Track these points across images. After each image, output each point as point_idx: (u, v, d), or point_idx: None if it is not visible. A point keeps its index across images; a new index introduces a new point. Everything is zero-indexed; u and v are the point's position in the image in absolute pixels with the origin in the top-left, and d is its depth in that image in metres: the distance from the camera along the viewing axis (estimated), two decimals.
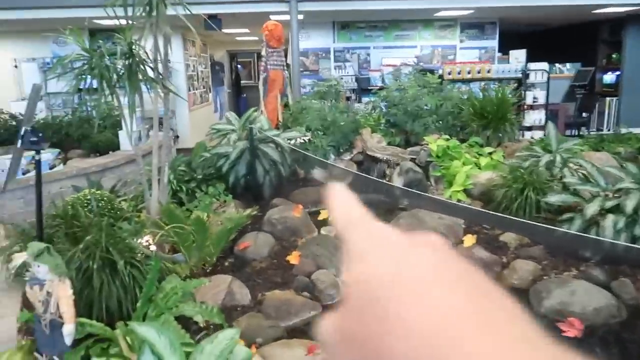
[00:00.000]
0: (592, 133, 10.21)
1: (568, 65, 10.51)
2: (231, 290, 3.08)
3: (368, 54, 11.02)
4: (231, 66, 14.81)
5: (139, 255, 2.75)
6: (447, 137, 4.98)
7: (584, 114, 10.62)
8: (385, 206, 4.61)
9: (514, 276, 3.39)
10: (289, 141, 4.85)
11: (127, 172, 5.80)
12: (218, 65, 13.30)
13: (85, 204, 3.55)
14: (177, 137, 8.32)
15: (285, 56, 6.16)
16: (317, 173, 5.09)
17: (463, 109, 5.42)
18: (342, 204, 0.29)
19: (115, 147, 6.54)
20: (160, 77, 3.38)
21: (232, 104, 13.68)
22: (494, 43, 11.20)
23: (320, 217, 3.80)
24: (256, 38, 13.45)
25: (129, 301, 2.63)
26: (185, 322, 2.56)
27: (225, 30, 10.28)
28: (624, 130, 7.62)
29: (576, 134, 9.92)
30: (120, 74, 3.17)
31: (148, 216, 3.64)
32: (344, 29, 10.98)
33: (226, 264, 3.58)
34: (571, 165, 4.17)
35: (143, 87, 3.44)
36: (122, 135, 6.15)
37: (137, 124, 6.29)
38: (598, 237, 3.17)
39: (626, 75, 11.12)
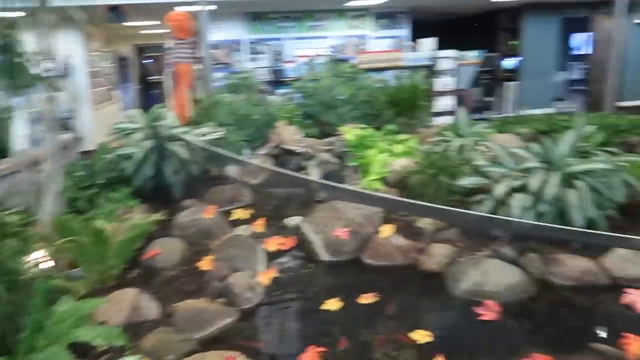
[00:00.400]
0: (496, 116, 10.78)
1: (472, 52, 11.00)
2: (137, 305, 2.82)
3: (282, 46, 10.87)
4: (139, 60, 14.03)
5: (25, 276, 2.42)
6: (363, 126, 4.96)
7: (488, 98, 11.18)
8: (303, 200, 4.51)
9: (432, 261, 3.40)
10: (199, 138, 4.59)
11: (18, 181, 5.24)
12: (124, 61, 12.54)
13: None
14: (79, 139, 7.70)
15: (197, 49, 5.84)
16: (231, 170, 4.87)
17: (377, 98, 5.42)
18: None
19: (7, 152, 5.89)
20: (49, 74, 3.01)
21: (142, 101, 12.97)
22: (405, 32, 11.46)
23: (234, 217, 3.60)
24: (167, 31, 12.82)
25: (14, 332, 2.31)
26: (82, 348, 2.29)
27: (131, 23, 9.66)
28: (524, 112, 8.05)
29: (482, 117, 10.42)
30: None
31: (38, 231, 3.27)
32: (257, 20, 10.74)
33: (132, 275, 3.29)
34: (480, 148, 4.28)
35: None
36: (16, 139, 5.56)
37: (29, 126, 5.71)
38: (504, 217, 3.25)
39: (524, 60, 11.83)
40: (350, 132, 4.80)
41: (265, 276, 2.90)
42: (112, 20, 8.76)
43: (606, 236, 2.78)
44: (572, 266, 3.06)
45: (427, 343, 2.35)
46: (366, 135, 4.71)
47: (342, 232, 3.38)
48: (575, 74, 14.99)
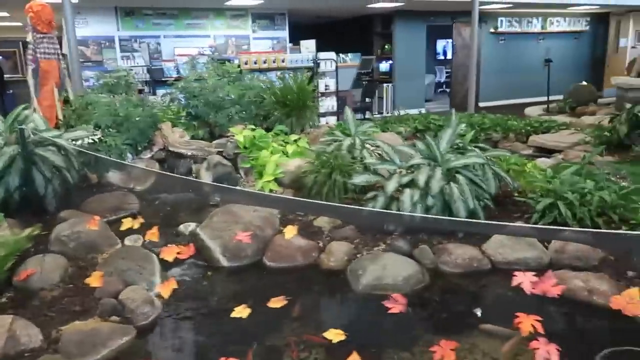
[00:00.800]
0: (375, 116, 11.38)
1: (350, 55, 11.48)
2: (13, 334, 2.47)
3: (159, 44, 10.34)
4: None
5: None
6: (253, 127, 4.89)
7: (367, 99, 11.73)
8: (195, 204, 4.33)
9: (331, 259, 3.46)
10: (74, 142, 4.17)
11: None
12: None
13: None
14: None
15: (60, 45, 5.29)
16: (113, 176, 4.51)
17: (265, 98, 5.39)
18: None
19: None
20: None
21: None
22: (284, 33, 11.57)
23: (124, 226, 3.32)
24: (20, 23, 11.47)
25: None
26: None
27: None
28: (402, 112, 8.60)
29: (362, 117, 10.93)
30: None
31: None
32: (129, 16, 10.08)
33: (3, 300, 2.88)
34: (368, 146, 4.47)
35: None
36: None
37: None
38: (397, 212, 3.43)
39: (397, 63, 12.63)
40: (240, 134, 4.71)
41: (165, 288, 2.72)
42: None
43: (487, 225, 3.05)
44: (459, 254, 3.32)
45: (340, 341, 2.38)
46: (257, 136, 4.66)
47: (243, 236, 3.30)
48: (442, 76, 16.42)
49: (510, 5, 11.73)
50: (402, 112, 8.44)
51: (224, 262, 3.47)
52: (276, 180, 4.31)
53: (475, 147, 4.13)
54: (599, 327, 2.68)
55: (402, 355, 2.36)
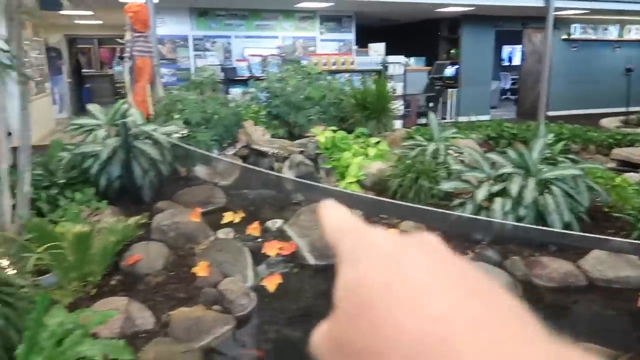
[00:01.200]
0: (442, 122, 11.22)
1: (413, 59, 11.38)
2: (130, 315, 2.63)
3: (229, 43, 10.62)
4: (70, 52, 13.10)
5: (14, 287, 2.17)
6: (334, 128, 4.95)
7: (430, 104, 11.60)
8: (278, 202, 4.43)
9: None
10: (167, 136, 4.37)
11: None
12: (54, 51, 11.67)
13: None
14: (10, 134, 7.04)
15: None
16: (200, 170, 4.68)
17: (343, 100, 5.44)
18: (333, 213, 0.29)
19: None
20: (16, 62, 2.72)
21: (74, 96, 12.15)
22: (351, 36, 11.61)
23: (225, 220, 3.44)
24: (100, 22, 12.09)
25: (1, 348, 2.06)
26: None
27: (64, 12, 9.02)
28: (473, 118, 8.45)
29: (424, 123, 10.82)
30: None
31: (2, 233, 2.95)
32: (203, 16, 10.42)
33: (113, 282, 3.06)
34: (451, 152, 4.43)
35: None
36: None
37: None
38: (492, 219, 3.39)
39: (463, 68, 12.41)
40: (322, 134, 4.78)
41: (270, 282, 2.81)
42: (46, 7, 8.12)
43: (589, 238, 2.97)
44: (554, 268, 3.23)
45: None
46: (339, 138, 4.71)
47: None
48: (506, 83, 15.99)
49: (586, 11, 11.28)
50: (468, 119, 8.28)
51: (311, 260, 3.54)
52: (358, 182, 4.35)
53: (567, 158, 4.02)
54: None
55: None
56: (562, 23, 12.58)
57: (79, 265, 2.84)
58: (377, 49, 9.83)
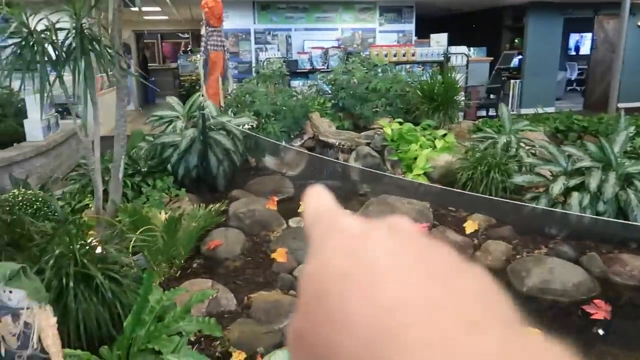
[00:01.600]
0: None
1: (473, 49, 11.09)
2: (215, 296, 2.79)
3: (289, 36, 10.76)
4: (138, 47, 13.73)
5: (118, 265, 2.37)
6: (400, 120, 4.97)
7: (491, 96, 11.29)
8: (345, 193, 4.51)
9: (488, 257, 3.45)
10: (240, 127, 4.54)
11: (36, 165, 5.12)
12: (124, 47, 12.26)
13: (24, 206, 3.03)
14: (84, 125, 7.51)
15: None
16: (271, 161, 4.84)
17: (409, 92, 5.44)
18: (314, 199, 0.28)
19: (20, 137, 5.73)
20: (118, 56, 2.93)
21: (140, 89, 12.73)
22: (411, 27, 11.47)
23: (300, 209, 3.57)
24: (165, 17, 12.56)
25: (109, 320, 2.27)
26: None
27: (135, 8, 9.44)
28: (540, 110, 8.18)
29: (486, 115, 10.56)
30: (71, 51, 2.70)
31: (98, 217, 3.19)
32: (265, 10, 10.61)
33: (195, 265, 3.25)
34: (523, 145, 4.34)
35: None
36: (29, 124, 5.43)
37: (45, 111, 5.56)
38: (568, 212, 3.32)
39: (528, 58, 11.97)
40: (388, 126, 4.81)
41: None
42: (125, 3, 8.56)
43: None
44: (635, 266, 3.13)
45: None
46: (406, 130, 4.72)
47: (421, 227, 3.39)
48: (573, 74, 15.28)
49: None
50: (539, 111, 8.03)
51: None
52: (425, 174, 4.35)
53: None
54: None
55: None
56: (638, 9, 11.87)
57: (167, 249, 3.04)
58: (439, 39, 9.66)
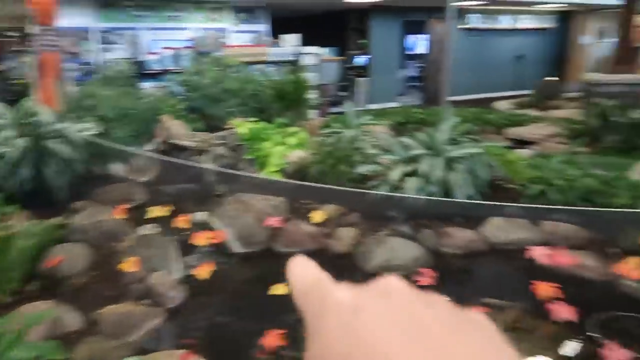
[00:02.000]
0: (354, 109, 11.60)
1: (325, 49, 11.66)
2: (56, 316, 2.59)
3: (137, 36, 10.23)
4: None
5: None
6: (254, 119, 5.04)
7: (343, 93, 11.98)
8: (200, 195, 4.46)
9: (339, 243, 3.69)
10: (81, 134, 4.23)
11: None
12: None
13: None
14: None
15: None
16: (117, 168, 4.59)
17: (264, 92, 5.54)
18: (300, 271, 0.28)
19: None
20: None
21: None
22: (265, 27, 11.64)
23: (151, 214, 3.44)
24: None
25: None
26: None
27: None
28: (384, 106, 8.88)
29: (336, 111, 11.20)
30: None
31: None
32: (109, 7, 9.95)
33: (33, 288, 2.97)
34: (366, 138, 4.70)
35: None
36: None
37: None
38: (404, 195, 3.69)
39: (373, 58, 12.90)
40: (242, 126, 4.86)
41: (201, 271, 2.88)
42: None
43: (487, 205, 3.34)
44: (459, 237, 3.60)
45: None
46: (260, 129, 4.82)
47: (274, 221, 3.48)
48: (412, 71, 16.78)
49: (483, 2, 12.17)
50: (379, 106, 8.71)
51: (238, 248, 3.64)
52: (280, 170, 4.49)
53: (470, 139, 4.42)
54: (590, 294, 3.01)
55: None
56: (462, 13, 13.47)
57: None
58: (292, 40, 9.97)
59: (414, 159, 4.00)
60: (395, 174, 3.85)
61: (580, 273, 3.12)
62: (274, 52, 9.40)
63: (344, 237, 3.73)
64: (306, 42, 10.19)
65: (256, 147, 4.68)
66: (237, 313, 2.98)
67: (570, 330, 2.51)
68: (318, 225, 3.84)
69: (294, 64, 9.46)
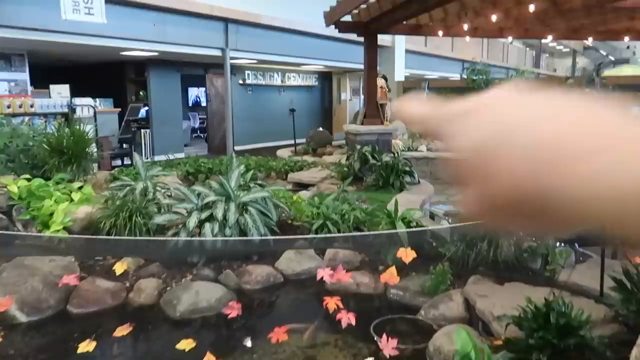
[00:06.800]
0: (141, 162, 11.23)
1: (98, 100, 11.17)
2: None
3: None
4: None
5: None
6: (28, 176, 4.59)
7: (124, 145, 11.56)
8: None
9: (142, 295, 3.65)
10: None
11: None
12: None
13: None
14: None
15: None
16: None
17: (34, 146, 5.08)
18: (412, 104, 0.32)
19: None
20: None
21: None
22: (24, 76, 10.55)
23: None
24: None
25: None
26: None
27: None
28: (171, 157, 8.89)
29: (121, 164, 10.75)
30: None
31: None
32: None
33: None
34: (159, 189, 4.75)
35: None
36: None
37: None
38: (203, 239, 3.86)
39: (154, 109, 12.80)
40: (14, 184, 4.40)
41: None
42: None
43: (279, 240, 3.76)
44: (258, 273, 3.92)
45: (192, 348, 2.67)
46: (36, 186, 4.43)
47: (70, 279, 3.22)
48: (196, 122, 17.13)
49: (254, 61, 13.29)
50: (170, 157, 8.74)
51: (22, 317, 3.30)
52: (65, 229, 4.20)
53: (256, 184, 4.86)
54: (369, 305, 3.63)
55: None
56: (238, 70, 14.43)
57: None
58: (61, 90, 9.27)
59: (208, 206, 4.22)
60: (192, 221, 4.00)
61: (358, 289, 3.74)
62: (40, 103, 8.61)
63: (147, 288, 3.69)
64: (80, 93, 9.62)
65: (35, 206, 4.28)
66: None
67: (356, 335, 3.02)
68: (117, 280, 3.73)
69: (66, 116, 8.82)
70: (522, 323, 2.34)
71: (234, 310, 2.85)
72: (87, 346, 2.54)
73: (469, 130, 0.27)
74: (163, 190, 4.77)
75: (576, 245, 3.91)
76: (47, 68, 12.35)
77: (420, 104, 0.31)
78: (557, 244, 3.86)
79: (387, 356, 2.49)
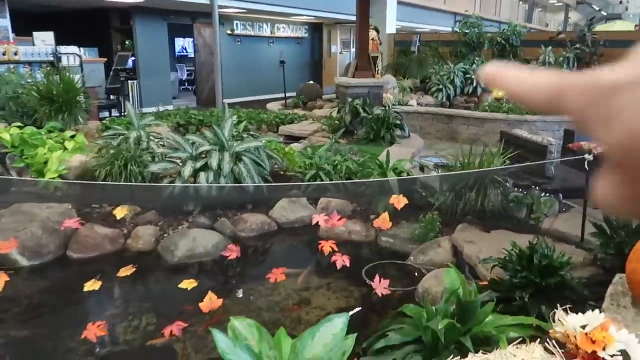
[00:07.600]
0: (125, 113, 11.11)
1: (83, 49, 10.88)
2: None
3: None
4: None
5: None
6: (19, 124, 4.57)
7: (112, 97, 11.38)
8: None
9: (140, 242, 3.75)
10: None
11: None
12: None
13: None
14: None
15: None
16: None
17: (23, 93, 5.02)
18: (516, 76, 0.26)
19: None
20: None
21: None
22: (5, 22, 10.20)
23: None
24: None
25: None
26: None
27: None
28: (161, 108, 8.81)
29: (109, 115, 10.62)
30: None
31: None
32: None
33: None
34: (152, 138, 4.76)
35: None
36: None
37: None
38: (199, 184, 3.94)
39: (140, 60, 12.53)
40: (6, 132, 4.38)
41: None
42: None
43: (273, 188, 3.85)
44: (252, 221, 4.03)
45: (194, 287, 2.79)
46: (28, 134, 4.41)
47: (72, 222, 3.28)
48: (183, 74, 16.81)
49: (244, 10, 12.96)
50: (160, 109, 8.66)
51: (24, 261, 3.38)
52: (60, 177, 4.23)
53: (249, 134, 4.89)
54: (360, 252, 3.78)
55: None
56: (227, 19, 14.07)
57: None
58: (45, 38, 9.02)
59: (202, 155, 4.27)
60: (186, 170, 4.05)
61: (350, 237, 3.88)
62: (25, 51, 8.40)
63: (144, 235, 3.78)
64: (64, 41, 9.37)
65: (28, 154, 4.29)
66: (32, 324, 2.81)
67: (348, 279, 3.17)
68: (115, 227, 3.81)
69: (52, 64, 8.63)
70: (507, 265, 2.49)
71: (233, 252, 2.96)
72: (92, 285, 2.64)
73: None
74: (157, 140, 4.78)
75: (560, 195, 4.06)
76: (28, 15, 11.94)
77: (532, 71, 0.25)
78: (542, 194, 4.01)
79: (380, 295, 2.63)
